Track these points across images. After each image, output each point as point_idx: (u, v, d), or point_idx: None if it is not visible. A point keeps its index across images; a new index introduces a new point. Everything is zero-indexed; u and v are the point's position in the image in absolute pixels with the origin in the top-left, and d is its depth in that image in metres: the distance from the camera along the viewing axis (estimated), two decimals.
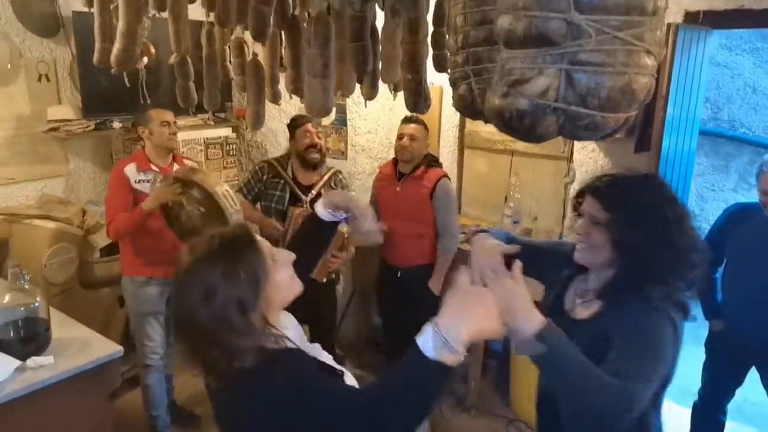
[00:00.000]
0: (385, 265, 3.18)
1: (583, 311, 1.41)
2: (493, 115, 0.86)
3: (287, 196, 2.92)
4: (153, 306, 2.79)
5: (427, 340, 0.96)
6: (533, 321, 1.08)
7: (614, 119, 0.81)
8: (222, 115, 3.86)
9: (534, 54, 0.79)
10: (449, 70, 1.30)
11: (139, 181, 2.65)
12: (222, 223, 2.40)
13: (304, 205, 2.92)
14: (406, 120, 2.99)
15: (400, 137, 2.97)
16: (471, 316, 0.96)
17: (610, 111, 0.79)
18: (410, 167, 3.00)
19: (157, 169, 2.69)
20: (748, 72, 4.46)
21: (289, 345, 1.11)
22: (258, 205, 3.03)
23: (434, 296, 3.12)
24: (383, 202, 3.11)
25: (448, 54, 2.00)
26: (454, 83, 1.22)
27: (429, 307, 3.30)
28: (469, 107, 1.18)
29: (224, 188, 2.47)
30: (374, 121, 3.79)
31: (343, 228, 2.99)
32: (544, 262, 1.57)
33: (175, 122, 2.73)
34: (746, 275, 2.50)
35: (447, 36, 2.08)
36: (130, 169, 2.65)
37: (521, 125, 0.81)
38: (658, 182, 1.37)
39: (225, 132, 3.86)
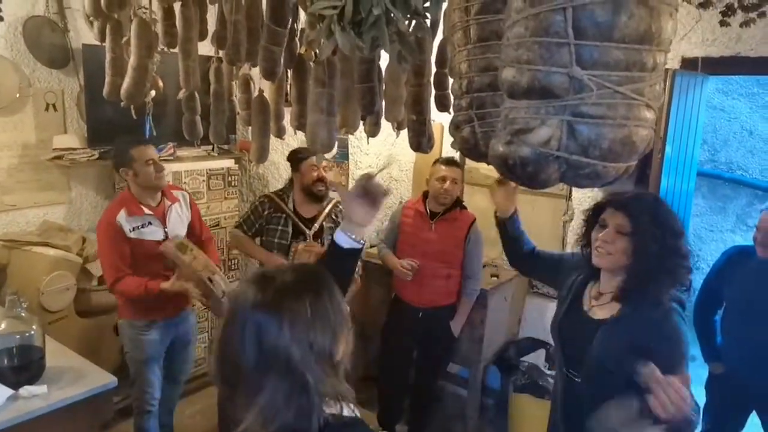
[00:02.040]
0: (402, 304, 3.11)
1: (600, 311, 1.64)
2: (496, 162, 0.89)
3: (290, 230, 2.91)
4: (154, 351, 2.70)
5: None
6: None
7: (615, 168, 0.84)
8: (225, 146, 3.90)
9: (537, 105, 0.81)
10: (453, 113, 1.33)
11: (134, 229, 2.53)
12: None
13: (308, 239, 2.92)
14: (448, 162, 2.96)
15: (442, 180, 2.92)
16: None
17: (611, 161, 0.82)
18: (443, 207, 2.98)
19: (150, 212, 2.59)
20: (744, 116, 4.54)
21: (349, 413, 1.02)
22: (258, 240, 3.02)
23: (452, 337, 3.10)
24: (412, 239, 3.04)
25: (451, 96, 2.06)
26: (457, 126, 1.25)
27: (446, 348, 3.28)
28: (472, 150, 1.21)
29: (210, 271, 2.51)
30: (375, 155, 3.84)
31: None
32: (557, 269, 1.90)
33: (160, 158, 2.63)
34: (745, 318, 2.50)
35: (449, 77, 2.15)
36: (122, 217, 2.51)
37: (524, 172, 0.83)
38: (664, 202, 1.67)
39: (227, 163, 3.91)
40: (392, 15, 0.97)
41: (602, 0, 0.76)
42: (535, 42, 0.80)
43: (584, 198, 3.24)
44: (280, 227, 2.91)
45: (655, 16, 0.78)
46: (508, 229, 2.00)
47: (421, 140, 1.81)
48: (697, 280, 2.72)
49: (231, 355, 0.98)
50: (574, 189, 3.31)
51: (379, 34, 0.98)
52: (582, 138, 0.80)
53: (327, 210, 3.01)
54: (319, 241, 2.94)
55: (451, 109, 1.57)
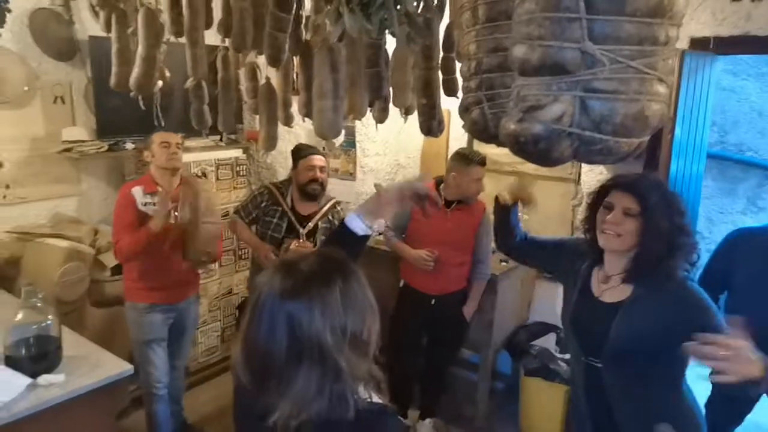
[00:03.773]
0: (412, 291, 3.10)
1: (610, 295, 1.65)
2: (508, 140, 0.89)
3: (284, 225, 2.93)
4: (156, 333, 2.77)
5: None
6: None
7: (627, 144, 0.83)
8: (233, 136, 3.91)
9: (549, 81, 0.81)
10: (462, 95, 1.32)
11: (145, 204, 2.64)
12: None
13: (301, 237, 2.93)
14: (478, 163, 2.88)
15: (476, 180, 2.88)
16: None
17: (624, 136, 0.82)
18: (459, 197, 2.96)
19: (163, 192, 2.67)
20: (754, 96, 4.49)
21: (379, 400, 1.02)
22: (254, 228, 3.04)
23: (464, 322, 3.11)
24: (426, 227, 2.98)
25: (460, 79, 2.05)
26: (466, 108, 1.25)
27: (458, 333, 3.27)
28: (482, 132, 1.21)
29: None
30: (383, 143, 3.83)
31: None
32: (554, 256, 1.90)
33: (178, 143, 2.71)
34: (756, 301, 2.42)
35: (456, 61, 2.14)
36: (137, 191, 2.65)
37: (536, 150, 0.83)
38: (665, 183, 1.70)
39: (236, 153, 3.91)
40: None
41: None
42: (546, 17, 0.79)
43: (593, 182, 3.22)
44: (275, 220, 2.93)
45: None
46: (511, 217, 1.99)
47: (431, 124, 1.81)
48: (705, 262, 2.70)
49: (261, 346, 0.97)
50: (582, 173, 3.30)
51: (387, 15, 0.98)
52: (594, 113, 0.80)
53: (324, 210, 3.01)
54: (312, 240, 2.95)
55: (460, 92, 1.57)
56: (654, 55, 0.80)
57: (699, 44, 2.73)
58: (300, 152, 2.98)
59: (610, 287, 1.66)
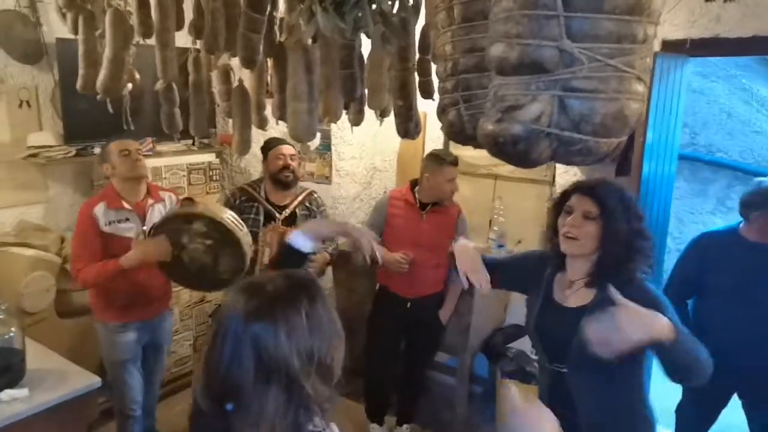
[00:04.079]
0: (388, 295, 3.08)
1: (574, 299, 1.65)
2: (486, 141, 0.87)
3: (261, 218, 2.91)
4: (130, 352, 2.63)
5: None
6: (664, 323, 1.33)
7: (607, 144, 0.82)
8: (205, 140, 3.84)
9: (527, 81, 0.80)
10: (438, 97, 1.31)
11: (110, 223, 2.46)
12: (234, 249, 2.33)
13: (277, 222, 2.91)
14: (451, 163, 2.90)
15: (452, 181, 2.89)
16: None
17: (603, 136, 0.81)
18: (434, 200, 2.96)
19: (129, 207, 2.52)
20: (723, 98, 4.59)
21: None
22: None
23: (440, 325, 3.09)
24: (403, 230, 2.99)
25: (436, 81, 2.04)
26: (443, 109, 1.23)
27: (434, 336, 3.28)
28: (459, 133, 1.19)
29: (228, 213, 2.38)
30: (359, 146, 3.80)
31: (323, 254, 2.96)
32: (524, 273, 1.85)
33: (138, 149, 2.55)
34: (733, 304, 2.43)
35: (432, 63, 2.12)
36: (100, 210, 2.44)
37: (515, 150, 0.81)
38: (625, 188, 1.67)
39: (208, 158, 3.85)
40: None
41: None
42: (524, 15, 0.78)
43: (568, 184, 3.22)
44: (252, 215, 2.91)
45: None
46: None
47: (408, 126, 1.79)
48: (673, 262, 2.71)
49: (224, 369, 0.94)
50: (557, 175, 3.32)
51: (361, 14, 0.96)
52: (574, 113, 0.79)
53: (300, 198, 3.00)
54: (293, 227, 2.93)
55: (436, 95, 1.55)
56: (632, 53, 0.79)
57: (671, 46, 2.77)
58: (269, 144, 2.99)
59: (574, 292, 1.67)
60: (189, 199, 2.46)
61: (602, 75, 0.78)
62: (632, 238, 1.56)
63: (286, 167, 2.89)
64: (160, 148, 3.60)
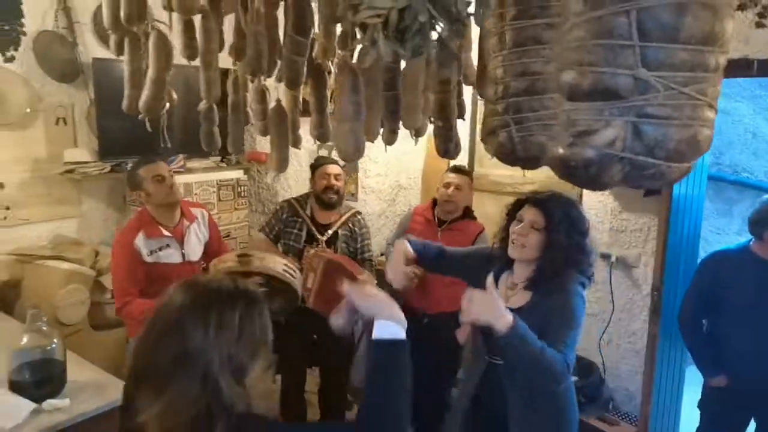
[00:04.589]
0: (405, 311, 3.10)
1: (515, 300, 1.80)
2: (556, 164, 0.90)
3: (304, 234, 2.96)
4: None
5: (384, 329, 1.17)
6: (507, 319, 1.50)
7: (679, 169, 0.85)
8: (236, 157, 3.91)
9: (600, 107, 0.82)
10: (485, 119, 1.34)
11: (152, 252, 2.44)
12: (288, 293, 2.43)
13: (320, 245, 2.94)
14: (453, 170, 3.01)
15: (446, 186, 2.96)
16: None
17: (676, 161, 0.83)
18: (451, 216, 2.99)
19: (168, 234, 2.51)
20: (747, 118, 4.58)
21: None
22: (279, 246, 3.06)
23: (456, 344, 3.08)
24: None
25: (465, 103, 2.08)
26: (493, 131, 1.26)
27: (450, 353, 3.24)
28: (509, 155, 1.22)
29: (282, 263, 2.44)
30: (384, 164, 3.85)
31: (362, 276, 2.98)
32: (466, 265, 2.06)
33: (170, 171, 2.53)
34: (747, 327, 2.40)
35: (463, 84, 2.17)
36: (140, 240, 2.42)
37: (587, 174, 0.84)
38: (576, 203, 1.87)
39: (237, 174, 3.91)
40: (435, 22, 0.99)
41: (667, 2, 0.77)
42: (598, 44, 0.81)
43: (594, 203, 3.25)
44: (295, 230, 2.96)
45: (719, 17, 0.79)
46: (423, 258, 2.09)
47: (448, 146, 1.83)
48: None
49: (148, 350, 1.00)
50: (584, 194, 3.32)
51: (423, 41, 0.99)
52: (648, 138, 0.81)
53: (344, 218, 3.04)
54: (333, 247, 2.97)
55: (483, 113, 1.58)
56: (705, 82, 0.82)
57: None
58: (316, 162, 3.05)
59: (515, 293, 1.83)
60: (245, 255, 2.42)
61: (676, 102, 0.80)
62: (571, 251, 1.72)
63: (330, 187, 2.94)
64: (190, 164, 3.67)
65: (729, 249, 2.66)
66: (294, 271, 2.46)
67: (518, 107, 1.20)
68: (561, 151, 0.87)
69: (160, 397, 0.96)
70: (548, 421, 1.80)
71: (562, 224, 1.72)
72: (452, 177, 2.97)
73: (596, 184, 0.86)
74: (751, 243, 2.52)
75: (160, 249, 2.48)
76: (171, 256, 2.51)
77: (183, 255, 2.56)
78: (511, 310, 1.67)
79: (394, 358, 1.15)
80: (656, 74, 0.79)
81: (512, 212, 1.86)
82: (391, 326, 1.20)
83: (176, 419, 0.95)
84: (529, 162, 1.18)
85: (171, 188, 2.48)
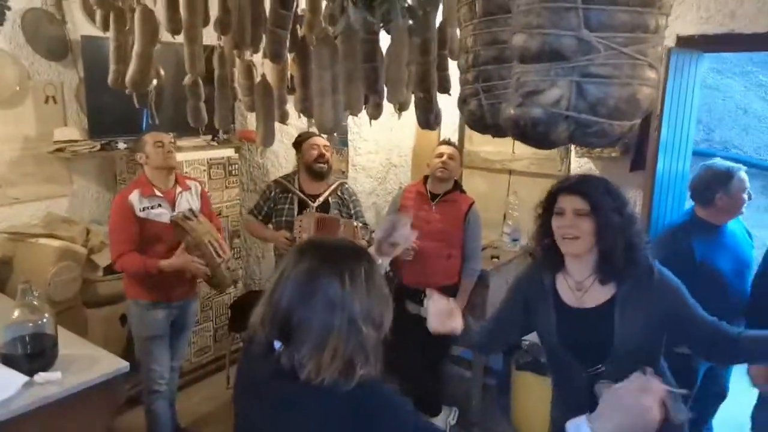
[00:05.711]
0: (403, 286, 3.15)
1: (590, 299, 1.62)
2: (508, 125, 0.93)
3: (296, 207, 3.03)
4: (159, 329, 2.78)
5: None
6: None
7: (620, 126, 0.88)
8: (225, 136, 3.92)
9: (547, 68, 0.85)
10: (460, 88, 1.37)
11: (144, 209, 2.63)
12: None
13: (311, 209, 3.00)
14: (444, 143, 3.12)
15: (439, 156, 3.05)
16: (623, 422, 1.02)
17: (617, 119, 0.86)
18: (443, 189, 3.08)
19: (161, 194, 2.69)
20: (738, 94, 4.59)
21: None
22: (271, 226, 3.11)
23: None
24: (414, 220, 3.04)
25: (450, 77, 2.10)
26: (464, 100, 1.29)
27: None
28: (478, 122, 1.25)
29: (213, 236, 2.60)
30: (374, 142, 3.87)
31: (354, 222, 3.03)
32: (518, 317, 1.78)
33: (172, 142, 2.74)
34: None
35: (448, 59, 2.18)
36: (135, 197, 2.62)
37: (535, 133, 0.87)
38: (607, 180, 1.66)
39: (228, 153, 3.92)
40: None
41: None
42: (545, 7, 0.84)
43: None
44: (287, 206, 3.04)
45: None
46: (466, 341, 1.90)
47: (428, 117, 1.85)
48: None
49: (289, 312, 1.06)
50: (572, 170, 3.36)
51: (391, 8, 1.01)
52: (590, 97, 0.84)
53: (332, 187, 3.12)
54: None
55: (452, 90, 1.60)
56: (645, 42, 0.84)
57: (686, 42, 2.79)
58: (301, 137, 3.12)
59: (585, 292, 1.63)
60: (186, 218, 2.65)
61: (617, 62, 0.83)
62: (627, 226, 1.56)
63: (320, 156, 3.01)
64: (180, 143, 3.67)
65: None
66: (222, 250, 2.64)
67: (488, 76, 1.22)
68: (512, 111, 0.90)
69: (323, 346, 1.02)
70: None
71: (606, 202, 1.56)
72: (444, 148, 3.07)
73: (545, 143, 0.89)
74: (695, 209, 2.56)
75: (152, 207, 2.65)
76: (161, 215, 2.67)
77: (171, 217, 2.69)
78: (593, 309, 1.61)
79: None
80: (598, 35, 0.82)
81: (547, 207, 1.68)
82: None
83: (334, 364, 1.02)
84: (498, 129, 1.21)
85: (168, 154, 2.68)
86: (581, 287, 1.64)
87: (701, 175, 2.53)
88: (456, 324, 1.71)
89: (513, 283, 1.85)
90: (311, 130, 3.64)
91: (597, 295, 1.61)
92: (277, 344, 1.07)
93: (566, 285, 1.67)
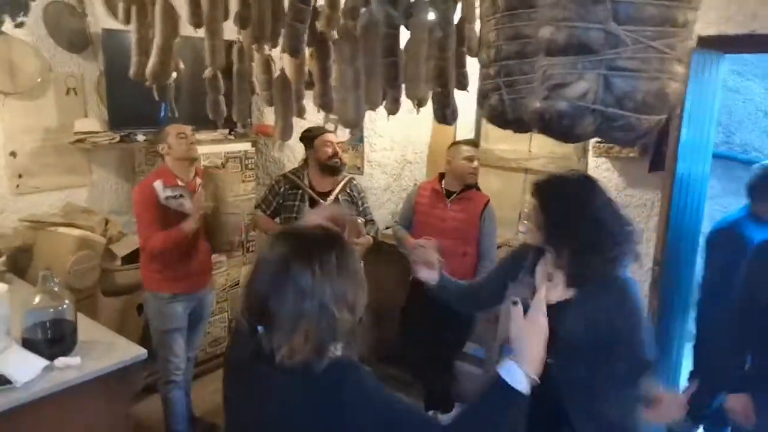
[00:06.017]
0: (419, 283, 3.15)
1: (556, 295, 1.65)
2: (533, 118, 0.93)
3: (306, 204, 3.01)
4: (178, 322, 2.81)
5: (511, 373, 1.10)
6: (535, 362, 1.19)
7: (648, 121, 0.87)
8: (242, 130, 3.95)
9: (574, 60, 0.85)
10: (480, 83, 1.37)
11: (167, 198, 2.68)
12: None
13: None
14: (469, 143, 3.08)
15: (469, 159, 3.02)
16: (532, 349, 1.15)
17: (644, 113, 0.86)
18: (459, 186, 3.06)
19: (183, 184, 2.73)
20: (758, 97, 4.52)
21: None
22: (278, 221, 3.09)
23: (470, 315, 3.14)
24: (429, 218, 3.10)
25: (467, 74, 2.10)
26: (485, 95, 1.29)
27: (464, 326, 3.29)
28: (499, 117, 1.25)
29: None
30: (390, 138, 3.87)
31: (367, 237, 3.03)
32: (504, 280, 1.83)
33: (192, 134, 2.80)
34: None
35: (467, 56, 2.18)
36: (158, 186, 2.67)
37: (560, 126, 0.87)
38: (583, 180, 1.67)
39: (244, 146, 3.95)
40: None
41: None
42: (572, 0, 0.84)
43: (599, 178, 3.19)
44: (296, 203, 3.02)
45: None
46: (443, 295, 2.02)
47: (445, 112, 1.85)
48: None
49: (264, 300, 1.10)
50: (589, 169, 3.33)
51: (414, 2, 1.02)
52: (617, 90, 0.84)
53: (342, 184, 3.10)
54: None
55: (470, 87, 1.60)
56: (673, 36, 0.84)
57: (706, 42, 2.76)
58: (312, 132, 3.08)
59: (554, 286, 1.68)
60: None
61: (645, 56, 0.83)
62: (583, 231, 1.55)
63: (335, 154, 2.99)
64: (198, 136, 3.69)
65: (725, 222, 2.70)
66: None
67: (509, 71, 1.22)
68: (537, 104, 0.90)
69: (295, 331, 1.06)
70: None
71: (553, 204, 1.61)
72: (473, 150, 3.05)
73: (570, 137, 0.89)
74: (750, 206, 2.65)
75: (175, 197, 2.69)
76: (182, 206, 2.72)
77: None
78: (554, 305, 1.59)
79: (507, 405, 1.12)
80: (626, 28, 0.82)
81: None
82: (519, 375, 1.11)
83: (307, 346, 1.06)
84: (519, 124, 1.21)
85: (190, 145, 2.75)
86: (551, 278, 1.71)
87: (760, 174, 2.72)
88: (431, 276, 1.93)
89: (507, 253, 2.03)
90: (327, 125, 3.66)
91: (560, 293, 1.67)
92: (260, 328, 1.12)
93: (542, 272, 1.76)
